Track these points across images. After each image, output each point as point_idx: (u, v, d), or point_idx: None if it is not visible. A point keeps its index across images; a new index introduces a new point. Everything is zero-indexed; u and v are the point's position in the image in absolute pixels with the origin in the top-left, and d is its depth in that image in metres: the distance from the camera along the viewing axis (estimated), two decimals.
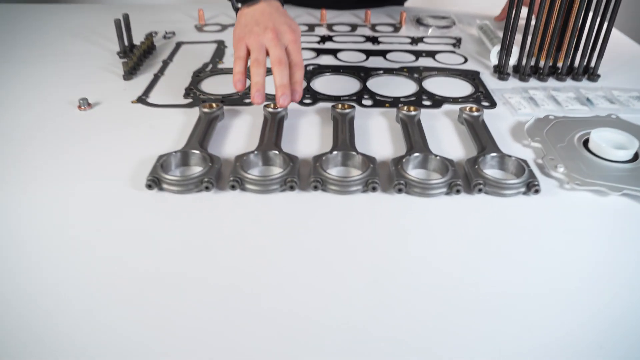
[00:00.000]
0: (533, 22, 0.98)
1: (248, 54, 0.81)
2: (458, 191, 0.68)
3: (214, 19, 1.37)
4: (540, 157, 0.77)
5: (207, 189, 0.68)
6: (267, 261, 0.58)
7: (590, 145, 0.78)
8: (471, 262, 0.59)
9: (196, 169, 0.72)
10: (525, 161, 0.72)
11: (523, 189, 0.69)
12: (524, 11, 1.01)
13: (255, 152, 0.73)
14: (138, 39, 1.15)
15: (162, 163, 0.70)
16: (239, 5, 0.88)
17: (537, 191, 0.69)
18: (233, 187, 0.68)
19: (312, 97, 0.93)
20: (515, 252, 0.60)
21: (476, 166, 0.71)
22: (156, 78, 1.00)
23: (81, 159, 0.75)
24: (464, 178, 0.71)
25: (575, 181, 0.71)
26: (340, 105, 0.85)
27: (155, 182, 0.68)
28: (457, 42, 1.22)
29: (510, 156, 0.74)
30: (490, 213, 0.66)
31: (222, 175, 0.71)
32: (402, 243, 0.61)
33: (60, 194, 0.68)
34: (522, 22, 1.06)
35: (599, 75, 1.03)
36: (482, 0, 1.51)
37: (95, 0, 2.15)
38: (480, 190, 0.69)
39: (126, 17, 1.09)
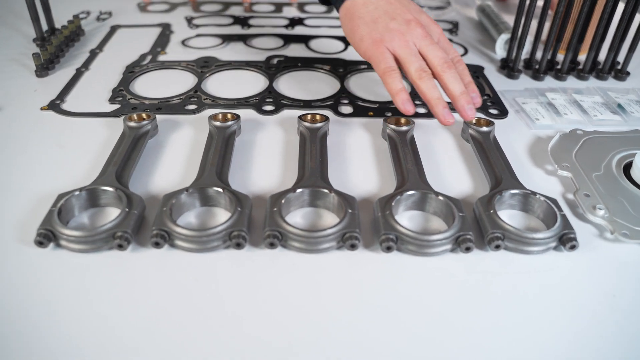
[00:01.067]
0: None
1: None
2: (468, 249, 0.49)
3: None
4: (571, 191, 0.59)
5: (120, 247, 0.48)
6: (204, 345, 0.40)
7: (634, 174, 0.60)
8: (486, 345, 0.41)
9: (109, 214, 0.53)
10: (555, 202, 0.54)
11: (554, 244, 0.51)
12: None
13: (190, 190, 0.53)
14: (63, 20, 0.93)
15: (60, 208, 0.50)
16: None
17: (573, 247, 0.50)
18: (157, 245, 0.48)
19: (275, 102, 0.73)
20: (546, 330, 0.43)
21: (491, 210, 0.52)
22: (78, 74, 0.79)
23: None
24: (475, 225, 0.53)
25: (621, 230, 0.52)
26: (309, 117, 0.65)
27: (48, 237, 0.48)
28: (454, 27, 1.03)
29: (535, 194, 0.55)
30: (510, 277, 0.48)
31: (145, 223, 0.52)
32: (390, 323, 0.43)
33: None
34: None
35: (628, 73, 0.85)
36: None
37: None
38: (497, 247, 0.50)
39: None
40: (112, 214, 0.53)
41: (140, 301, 0.44)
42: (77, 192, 0.53)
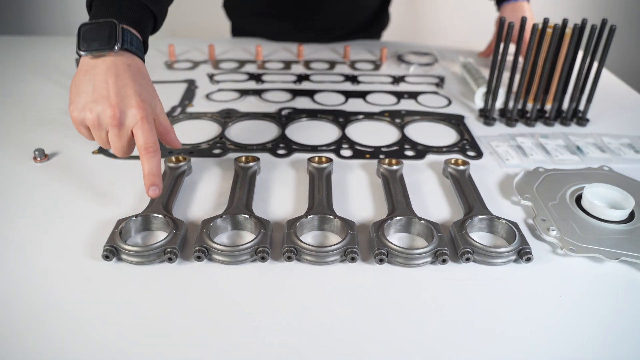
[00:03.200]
0: (520, 61, 0.93)
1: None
2: (444, 261, 0.62)
3: (185, 55, 1.31)
4: (531, 216, 0.72)
5: (170, 260, 0.61)
6: (236, 339, 0.52)
7: (584, 203, 0.73)
8: (459, 340, 0.53)
9: (159, 235, 0.66)
10: (515, 224, 0.67)
11: (514, 257, 0.64)
12: (510, 49, 0.96)
13: (224, 216, 0.67)
14: None
15: (120, 230, 0.64)
16: (82, 52, 0.66)
17: (529, 259, 0.63)
18: (199, 258, 0.62)
19: (287, 147, 0.87)
20: (507, 326, 0.55)
21: (463, 231, 0.66)
22: None
23: (32, 221, 0.68)
24: (450, 243, 0.66)
25: (569, 246, 0.66)
26: (317, 159, 0.79)
27: (112, 252, 0.62)
28: (440, 81, 1.18)
29: (499, 218, 0.68)
30: (478, 284, 0.61)
31: (188, 242, 0.65)
32: (383, 320, 0.55)
33: (6, 261, 0.61)
34: (507, 59, 1.02)
35: (588, 120, 0.99)
36: (463, 34, 1.48)
37: (57, 31, 2.08)
38: (468, 260, 0.63)
39: None
40: (161, 235, 0.66)
41: (185, 304, 0.57)
42: (133, 218, 0.66)
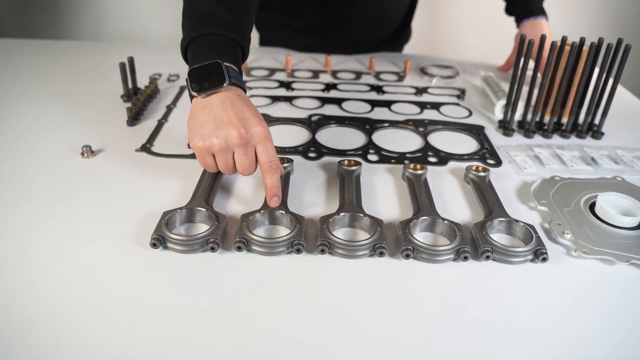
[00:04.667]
0: (539, 77, 0.98)
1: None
2: (466, 258, 0.67)
3: None
4: (547, 221, 0.77)
5: (212, 249, 0.67)
6: (272, 326, 0.57)
7: (597, 210, 0.78)
8: (478, 331, 0.58)
9: (201, 227, 0.72)
10: (532, 227, 0.72)
11: (531, 257, 0.69)
12: (530, 64, 1.01)
13: (262, 211, 0.72)
14: (141, 80, 1.15)
15: (166, 220, 0.69)
16: (195, 93, 0.72)
17: (544, 259, 0.68)
18: (239, 249, 0.67)
19: (317, 150, 0.92)
20: (523, 319, 0.60)
21: (484, 231, 0.71)
22: (160, 125, 1.00)
23: (83, 212, 0.74)
24: (471, 243, 0.71)
25: (582, 249, 0.70)
26: (346, 162, 0.85)
27: (160, 240, 0.67)
28: (462, 93, 1.23)
29: (517, 221, 0.73)
30: (497, 280, 0.66)
31: (227, 234, 0.70)
32: (410, 311, 0.60)
33: (60, 249, 0.67)
34: (527, 74, 1.07)
35: (602, 133, 1.04)
36: (482, 48, 1.53)
37: (96, 37, 2.17)
38: (487, 258, 0.68)
39: (131, 61, 1.09)
40: (204, 228, 0.72)
41: (226, 291, 0.62)
42: (178, 210, 0.72)
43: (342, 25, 1.40)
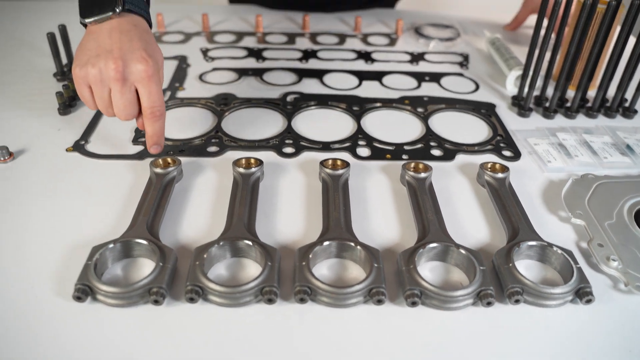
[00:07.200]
0: (554, 38, 0.80)
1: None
2: (489, 304, 0.51)
3: (176, 25, 1.16)
4: (584, 239, 0.61)
5: (156, 302, 0.50)
6: None
7: None
8: None
9: (142, 264, 0.55)
10: (571, 254, 0.56)
11: (571, 297, 0.53)
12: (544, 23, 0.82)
13: (221, 242, 0.55)
14: None
15: (95, 262, 0.52)
16: (86, 20, 0.63)
17: (589, 301, 0.52)
18: (192, 300, 0.50)
19: (295, 143, 0.74)
20: None
21: (510, 264, 0.54)
22: (99, 113, 0.80)
23: None
24: (493, 274, 0.55)
25: (635, 282, 0.55)
26: (331, 162, 0.67)
27: (85, 292, 0.50)
28: (465, 59, 1.05)
29: (551, 246, 0.57)
30: (529, 330, 0.50)
31: (178, 275, 0.54)
32: None
33: None
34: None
35: (636, 111, 0.87)
36: (486, 1, 1.33)
37: None
38: (517, 302, 0.52)
39: (63, 29, 0.88)
40: (145, 265, 0.55)
41: (177, 354, 0.46)
42: (111, 245, 0.54)
43: None
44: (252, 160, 0.67)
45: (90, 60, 0.61)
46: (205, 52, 1.02)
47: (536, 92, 0.90)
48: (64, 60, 0.90)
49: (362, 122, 0.81)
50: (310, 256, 0.54)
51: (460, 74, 0.99)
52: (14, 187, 0.65)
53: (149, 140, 0.65)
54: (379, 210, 0.64)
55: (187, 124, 0.79)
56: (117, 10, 0.62)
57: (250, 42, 1.09)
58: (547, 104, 0.86)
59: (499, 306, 0.53)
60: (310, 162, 0.72)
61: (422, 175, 0.67)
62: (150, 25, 0.67)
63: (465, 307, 0.52)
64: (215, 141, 0.74)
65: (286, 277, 0.54)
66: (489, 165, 0.69)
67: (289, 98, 0.86)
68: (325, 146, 0.74)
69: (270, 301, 0.51)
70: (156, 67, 0.62)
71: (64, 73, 0.89)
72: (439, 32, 1.15)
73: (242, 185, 0.64)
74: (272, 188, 0.67)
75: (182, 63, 0.97)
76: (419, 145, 0.76)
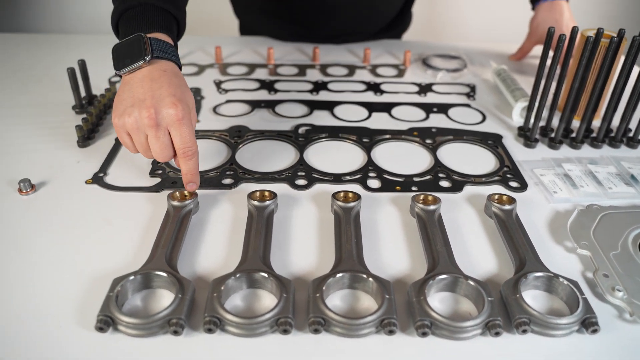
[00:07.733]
0: (559, 72, 0.82)
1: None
2: (497, 334, 0.53)
3: (189, 57, 1.20)
4: (590, 269, 0.63)
5: (175, 332, 0.52)
6: None
7: None
8: None
9: (161, 295, 0.57)
10: (576, 284, 0.57)
11: (577, 327, 0.54)
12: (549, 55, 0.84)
13: (237, 274, 0.57)
14: (101, 82, 0.98)
15: (116, 294, 0.54)
16: (120, 72, 0.69)
17: (595, 331, 0.54)
18: (209, 331, 0.52)
19: (307, 175, 0.77)
20: None
21: (517, 294, 0.56)
22: (117, 144, 0.83)
23: (11, 277, 0.59)
24: (501, 305, 0.56)
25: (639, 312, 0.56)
26: (342, 195, 0.69)
27: (107, 323, 0.52)
28: (472, 90, 1.07)
29: (557, 277, 0.58)
30: (536, 359, 0.52)
31: (196, 307, 0.56)
32: None
33: None
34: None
35: (639, 141, 0.88)
36: (491, 31, 1.36)
37: (47, 29, 1.94)
38: (525, 332, 0.54)
39: (82, 65, 0.92)
40: (164, 296, 0.57)
41: None
42: (131, 277, 0.56)
43: (331, 13, 1.22)
44: (267, 193, 0.69)
45: (126, 110, 0.65)
46: (218, 84, 1.05)
47: (542, 123, 0.92)
48: (83, 94, 0.93)
49: (372, 154, 0.83)
50: (324, 288, 0.56)
51: (468, 105, 1.02)
52: (36, 219, 0.67)
53: (184, 178, 0.68)
54: (390, 242, 0.66)
55: (202, 156, 0.80)
56: (147, 59, 0.66)
57: (262, 74, 1.12)
58: (553, 135, 0.88)
59: (506, 336, 0.54)
60: (322, 193, 0.74)
61: (431, 207, 0.69)
62: (180, 67, 0.71)
63: (474, 337, 0.54)
64: (229, 173, 0.77)
65: (300, 308, 0.56)
66: (496, 197, 0.71)
67: (301, 130, 0.89)
68: (337, 178, 0.77)
69: (285, 332, 0.53)
70: (186, 109, 0.65)
71: (82, 106, 0.92)
72: (446, 63, 1.18)
73: (257, 218, 0.66)
74: (286, 220, 0.69)
75: (197, 95, 1.00)
76: (428, 177, 0.78)
